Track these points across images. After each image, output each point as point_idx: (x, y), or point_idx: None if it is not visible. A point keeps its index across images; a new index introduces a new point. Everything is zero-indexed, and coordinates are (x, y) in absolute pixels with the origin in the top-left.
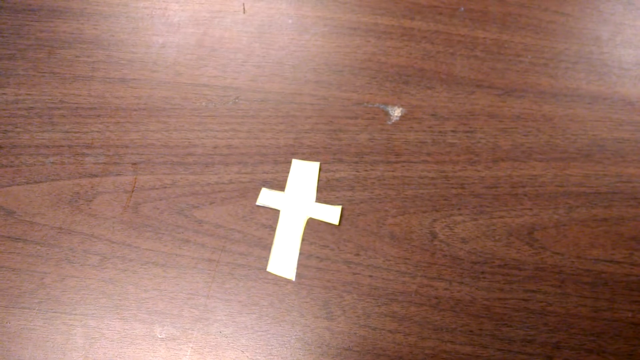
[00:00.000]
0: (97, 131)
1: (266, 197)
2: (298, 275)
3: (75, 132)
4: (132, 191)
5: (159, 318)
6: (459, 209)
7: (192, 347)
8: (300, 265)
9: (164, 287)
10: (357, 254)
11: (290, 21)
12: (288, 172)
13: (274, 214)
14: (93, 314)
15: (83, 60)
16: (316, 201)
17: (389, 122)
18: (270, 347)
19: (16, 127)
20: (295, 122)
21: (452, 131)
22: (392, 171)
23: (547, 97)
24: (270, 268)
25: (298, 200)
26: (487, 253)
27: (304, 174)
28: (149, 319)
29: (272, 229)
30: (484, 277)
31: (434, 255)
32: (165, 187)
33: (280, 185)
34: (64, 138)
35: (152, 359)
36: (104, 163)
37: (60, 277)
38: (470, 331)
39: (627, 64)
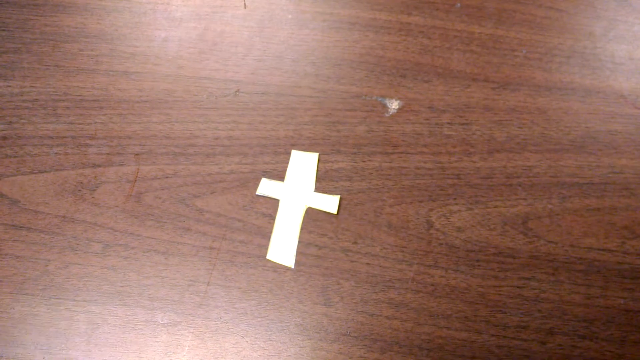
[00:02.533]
0: (100, 122)
1: (266, 187)
2: (297, 262)
3: (79, 124)
4: (135, 181)
5: (160, 304)
6: (455, 198)
7: (192, 333)
8: (299, 253)
9: (166, 274)
10: (355, 243)
11: (290, 16)
12: (288, 163)
13: (273, 203)
14: (96, 300)
15: (87, 53)
16: (315, 191)
17: (387, 115)
18: (269, 333)
19: (21, 119)
20: (294, 114)
21: (449, 123)
22: (390, 162)
23: (542, 90)
24: (270, 256)
25: (297, 189)
26: (482, 242)
27: (304, 164)
28: (151, 305)
29: (272, 217)
30: (479, 265)
31: (430, 243)
32: (167, 177)
33: (280, 176)
34: (67, 129)
35: (154, 344)
36: (107, 154)
37: (63, 264)
38: (466, 317)
39: (619, 58)
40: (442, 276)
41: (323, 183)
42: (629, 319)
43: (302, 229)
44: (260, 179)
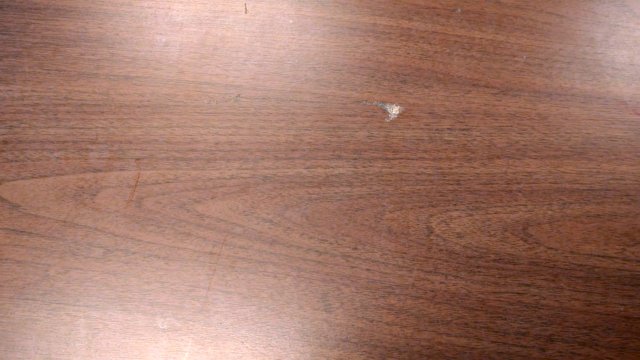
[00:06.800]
0: (101, 127)
1: None
2: (297, 268)
3: (80, 128)
4: (135, 186)
5: (161, 309)
6: (455, 204)
7: (193, 338)
8: (299, 258)
9: (166, 280)
10: (355, 248)
11: (291, 21)
12: (289, 169)
13: (274, 208)
14: (96, 305)
15: (88, 58)
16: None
17: (387, 120)
18: (269, 339)
19: (22, 123)
20: (295, 120)
21: (449, 129)
22: (390, 167)
23: (542, 96)
24: None
25: None
26: (482, 248)
27: None
28: (151, 310)
29: (272, 223)
30: (479, 271)
31: (431, 249)
32: (168, 182)
33: (280, 181)
34: (68, 134)
35: (154, 350)
36: (108, 158)
37: (64, 269)
38: (466, 324)
39: (620, 64)
40: (442, 282)
41: (323, 188)
42: (629, 326)
43: (302, 234)
44: (260, 184)
